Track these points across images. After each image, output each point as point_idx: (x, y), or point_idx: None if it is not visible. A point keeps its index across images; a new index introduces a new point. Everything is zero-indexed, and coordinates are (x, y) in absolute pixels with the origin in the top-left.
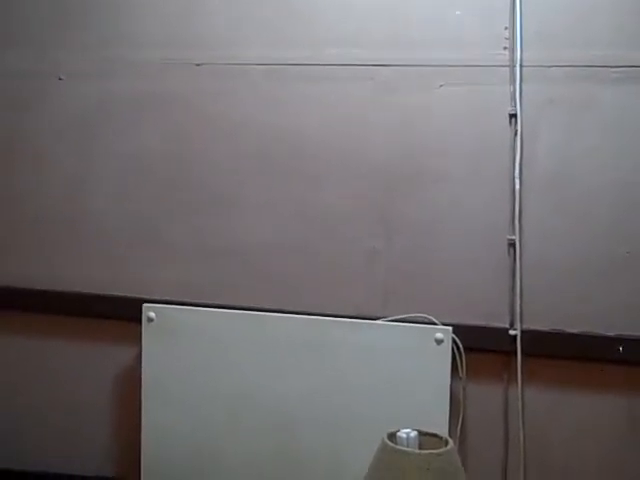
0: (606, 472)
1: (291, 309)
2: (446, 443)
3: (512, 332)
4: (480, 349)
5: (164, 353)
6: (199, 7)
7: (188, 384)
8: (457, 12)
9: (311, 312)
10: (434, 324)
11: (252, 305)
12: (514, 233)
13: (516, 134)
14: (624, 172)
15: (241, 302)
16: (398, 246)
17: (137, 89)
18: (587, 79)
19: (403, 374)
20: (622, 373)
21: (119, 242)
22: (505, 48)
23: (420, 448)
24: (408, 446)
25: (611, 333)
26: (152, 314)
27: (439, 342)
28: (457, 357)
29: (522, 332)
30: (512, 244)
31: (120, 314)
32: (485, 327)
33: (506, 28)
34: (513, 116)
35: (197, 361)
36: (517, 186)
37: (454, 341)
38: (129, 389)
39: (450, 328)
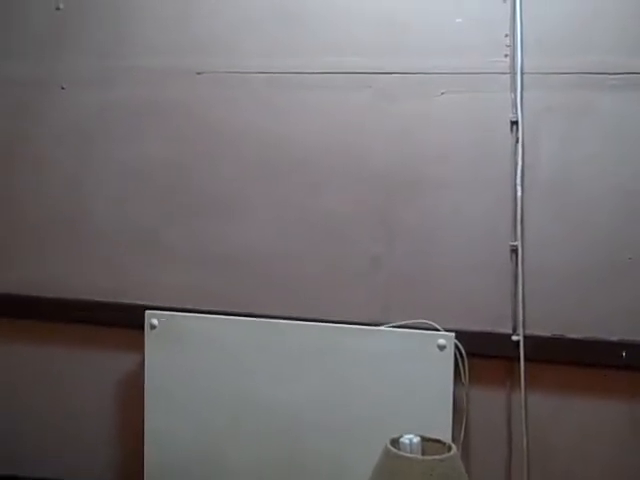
0: (609, 477)
1: (293, 315)
2: (449, 449)
3: (515, 338)
4: (483, 355)
5: (167, 360)
6: (199, 16)
7: (191, 390)
8: (457, 19)
9: (313, 318)
10: (437, 330)
11: (254, 312)
12: (516, 239)
13: (517, 141)
14: (625, 178)
15: (243, 308)
16: (400, 252)
17: (138, 97)
18: (587, 86)
19: (406, 380)
20: (625, 378)
21: (121, 249)
22: (506, 55)
23: (423, 454)
24: (411, 452)
25: (614, 338)
26: (155, 321)
27: (442, 348)
28: (460, 363)
29: (525, 338)
30: (514, 250)
31: (123, 321)
32: (488, 333)
33: (507, 35)
34: (514, 123)
35: (200, 367)
36: (519, 193)
37: (457, 347)
38: (132, 396)
39: (453, 334)
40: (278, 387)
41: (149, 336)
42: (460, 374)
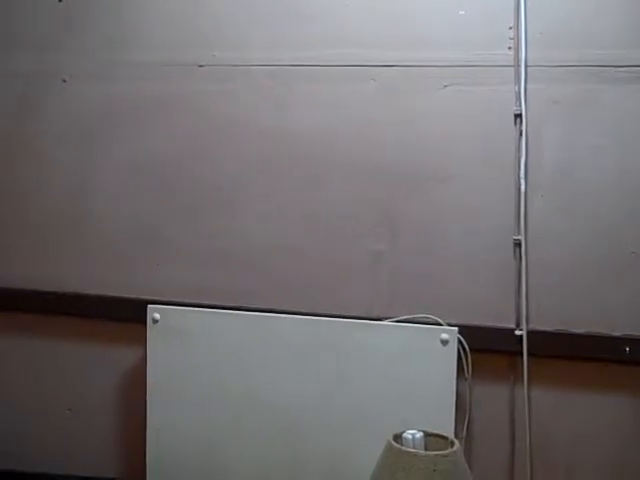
0: (612, 472)
1: (295, 310)
2: (452, 444)
3: (518, 332)
4: (486, 350)
5: (169, 354)
6: (201, 9)
7: (193, 384)
8: (461, 12)
9: (315, 313)
10: (440, 325)
11: (256, 306)
12: (520, 233)
13: (521, 134)
14: (629, 172)
15: (245, 303)
16: (403, 246)
17: (140, 90)
18: (592, 78)
19: (409, 375)
20: (629, 373)
21: (123, 243)
22: (510, 48)
23: (426, 449)
24: (414, 447)
25: (617, 333)
26: (157, 315)
27: (445, 343)
28: (463, 358)
29: (528, 332)
30: (518, 244)
31: (125, 315)
32: (491, 328)
33: (510, 28)
34: (518, 116)
35: (202, 362)
36: (523, 186)
37: (460, 342)
38: (134, 390)
39: (456, 329)
40: (280, 382)
41: (151, 330)
42: (463, 369)
